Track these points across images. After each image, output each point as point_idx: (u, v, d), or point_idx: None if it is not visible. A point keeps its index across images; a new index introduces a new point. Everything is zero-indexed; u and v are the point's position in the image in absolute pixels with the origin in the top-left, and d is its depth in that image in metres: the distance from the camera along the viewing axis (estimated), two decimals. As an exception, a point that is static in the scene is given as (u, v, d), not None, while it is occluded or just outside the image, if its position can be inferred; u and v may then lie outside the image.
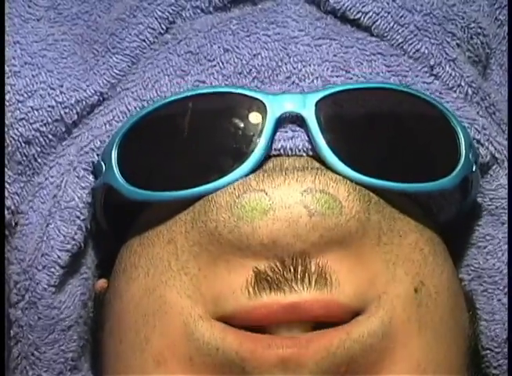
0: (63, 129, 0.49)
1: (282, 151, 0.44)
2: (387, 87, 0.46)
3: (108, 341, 0.46)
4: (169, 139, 0.45)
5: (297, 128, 0.44)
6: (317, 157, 0.44)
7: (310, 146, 0.44)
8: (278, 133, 0.44)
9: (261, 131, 0.43)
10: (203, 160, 0.44)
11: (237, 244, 0.42)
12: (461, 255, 0.49)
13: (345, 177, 0.43)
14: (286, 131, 0.44)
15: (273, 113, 0.44)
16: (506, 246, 0.48)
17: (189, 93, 0.45)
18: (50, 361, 0.48)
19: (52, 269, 0.46)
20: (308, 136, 0.44)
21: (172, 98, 0.45)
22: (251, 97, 0.44)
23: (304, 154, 0.44)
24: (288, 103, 0.44)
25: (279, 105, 0.44)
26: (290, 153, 0.44)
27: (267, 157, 0.44)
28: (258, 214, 0.41)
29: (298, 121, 0.44)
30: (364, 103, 0.45)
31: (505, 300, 0.48)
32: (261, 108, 0.44)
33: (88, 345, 0.49)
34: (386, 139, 0.45)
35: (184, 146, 0.44)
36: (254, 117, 0.44)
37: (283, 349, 0.40)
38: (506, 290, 0.48)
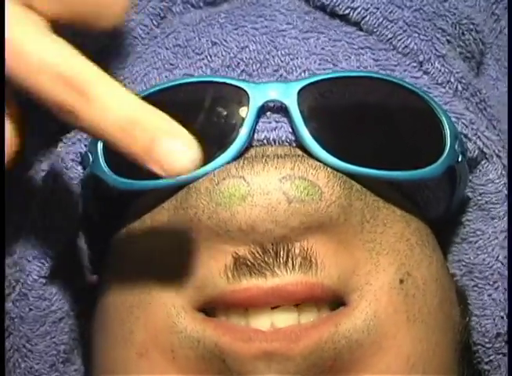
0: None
1: (265, 142, 0.44)
2: (370, 76, 0.46)
3: (96, 336, 0.47)
4: None
5: (281, 119, 0.44)
6: (300, 146, 0.44)
7: (293, 138, 0.44)
8: (261, 124, 0.44)
9: (244, 119, 0.43)
10: None
11: (216, 230, 0.42)
12: (452, 250, 0.49)
13: (327, 164, 0.43)
14: (270, 122, 0.44)
15: (256, 102, 0.44)
16: (496, 241, 0.47)
17: (173, 83, 0.45)
18: (42, 353, 0.48)
19: (43, 260, 0.46)
20: (292, 127, 0.44)
21: (156, 88, 0.45)
22: (234, 86, 0.44)
23: (288, 145, 0.44)
24: (271, 92, 0.44)
25: (261, 93, 0.44)
26: (273, 144, 0.44)
27: (249, 146, 0.44)
28: (237, 200, 0.42)
29: (282, 110, 0.44)
30: (347, 92, 0.45)
31: (495, 295, 0.47)
32: (244, 97, 0.44)
33: (81, 340, 0.50)
34: (369, 127, 0.45)
35: None
36: (237, 106, 0.44)
37: (268, 343, 0.40)
38: (496, 285, 0.47)
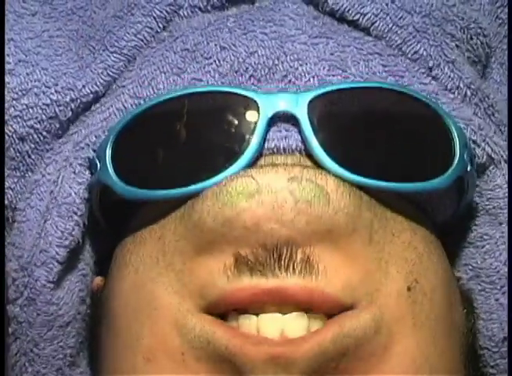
0: (58, 126, 0.49)
1: (275, 150, 0.44)
2: (381, 86, 0.46)
3: (104, 339, 0.47)
4: (163, 138, 0.45)
5: (291, 128, 0.44)
6: (310, 156, 0.44)
7: (303, 146, 0.44)
8: (271, 132, 0.44)
9: (254, 130, 0.44)
10: (196, 159, 0.44)
11: (220, 230, 0.42)
12: (459, 254, 0.49)
13: (336, 175, 0.43)
14: (280, 131, 0.44)
15: (266, 113, 0.44)
16: (504, 246, 0.48)
17: (183, 92, 0.45)
18: (49, 357, 0.48)
19: (51, 265, 0.46)
20: (301, 136, 0.44)
21: (166, 96, 0.45)
22: (244, 96, 0.44)
23: (298, 154, 0.44)
24: (281, 102, 0.44)
25: (271, 104, 0.44)
26: (283, 152, 0.44)
27: (259, 155, 0.44)
28: (244, 197, 0.42)
29: (292, 119, 0.44)
30: (357, 103, 0.45)
31: (502, 299, 0.48)
32: (254, 107, 0.44)
33: (86, 342, 0.49)
34: (379, 138, 0.45)
35: (177, 145, 0.44)
36: (247, 117, 0.44)
37: (273, 347, 0.40)
38: (503, 289, 0.48)
